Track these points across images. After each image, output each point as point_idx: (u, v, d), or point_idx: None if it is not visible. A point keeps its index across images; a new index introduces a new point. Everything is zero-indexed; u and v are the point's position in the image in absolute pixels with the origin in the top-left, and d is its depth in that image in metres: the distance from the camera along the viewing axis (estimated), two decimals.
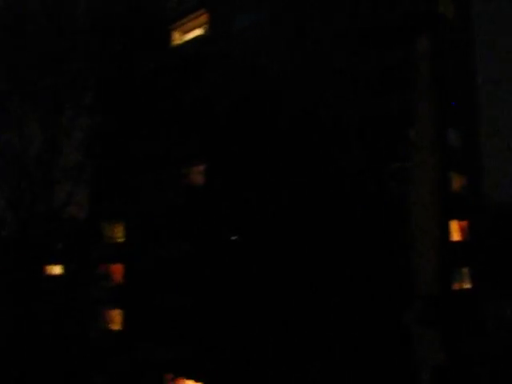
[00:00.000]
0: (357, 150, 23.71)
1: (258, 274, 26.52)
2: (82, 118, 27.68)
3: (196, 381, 31.33)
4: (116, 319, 36.10)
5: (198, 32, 34.85)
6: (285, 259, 25.96)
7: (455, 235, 24.26)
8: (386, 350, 21.19)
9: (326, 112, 25.01)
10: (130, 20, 34.14)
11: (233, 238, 29.15)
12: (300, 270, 25.18)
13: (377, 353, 21.69)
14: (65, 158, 26.89)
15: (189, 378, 31.82)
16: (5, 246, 32.16)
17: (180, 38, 35.61)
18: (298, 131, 26.40)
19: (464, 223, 25.36)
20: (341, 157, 24.11)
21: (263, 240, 26.99)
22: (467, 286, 24.89)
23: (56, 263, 34.41)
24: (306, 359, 24.09)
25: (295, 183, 26.20)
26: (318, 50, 26.36)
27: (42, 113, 26.86)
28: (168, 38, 35.19)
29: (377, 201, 22.57)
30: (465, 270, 24.78)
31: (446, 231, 22.12)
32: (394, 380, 20.31)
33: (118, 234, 36.84)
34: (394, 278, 20.64)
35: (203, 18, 34.09)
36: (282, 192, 26.59)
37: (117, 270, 36.51)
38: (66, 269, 34.51)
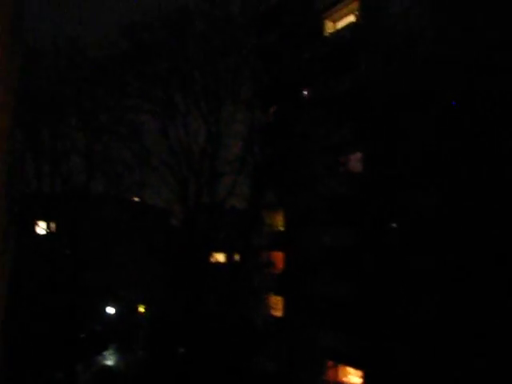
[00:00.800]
0: None
1: (422, 264, 25.82)
2: (241, 111, 28.75)
3: (356, 368, 31.32)
4: (278, 306, 37.13)
5: (349, 19, 34.55)
6: (448, 248, 25.01)
7: None
8: None
9: (493, 94, 23.62)
10: (283, 11, 34.72)
11: (393, 225, 28.66)
12: (459, 262, 24.10)
13: None
14: (227, 151, 28.11)
15: (349, 365, 31.91)
16: (174, 235, 34.40)
17: (332, 26, 35.54)
18: (458, 116, 25.24)
19: None
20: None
21: (425, 228, 26.21)
22: None
23: (220, 251, 36.10)
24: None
25: (458, 168, 25.09)
26: (487, 29, 24.71)
27: (205, 109, 28.27)
28: (320, 26, 35.24)
29: None
30: None
31: None
32: None
33: (278, 222, 37.78)
34: None
35: (354, 5, 33.68)
36: (443, 178, 25.61)
37: (278, 258, 37.51)
38: (228, 257, 36.06)
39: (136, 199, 33.48)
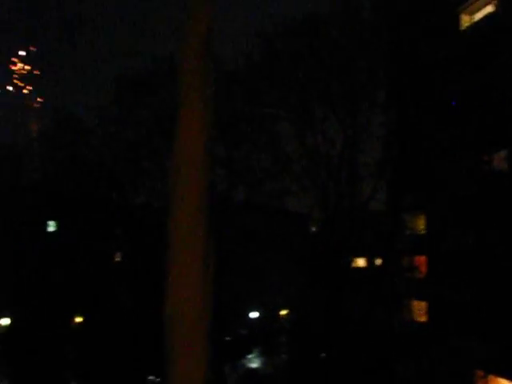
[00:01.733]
0: None
1: None
2: (377, 115, 28.49)
3: (510, 379, 29.69)
4: (422, 311, 36.14)
5: (487, 10, 32.95)
6: None
7: None
8: None
9: None
10: (415, 9, 33.93)
11: None
12: None
13: None
14: (365, 156, 27.97)
15: (502, 375, 30.30)
16: (313, 240, 34.81)
17: (469, 20, 34.08)
18: None
19: None
20: None
21: None
22: None
23: (361, 256, 35.93)
24: None
25: None
26: None
27: (341, 114, 28.35)
28: (456, 22, 33.93)
29: None
30: None
31: None
32: None
33: (420, 225, 36.73)
34: None
35: None
36: None
37: (421, 262, 36.47)
38: (369, 261, 35.77)
39: (276, 206, 34.13)
